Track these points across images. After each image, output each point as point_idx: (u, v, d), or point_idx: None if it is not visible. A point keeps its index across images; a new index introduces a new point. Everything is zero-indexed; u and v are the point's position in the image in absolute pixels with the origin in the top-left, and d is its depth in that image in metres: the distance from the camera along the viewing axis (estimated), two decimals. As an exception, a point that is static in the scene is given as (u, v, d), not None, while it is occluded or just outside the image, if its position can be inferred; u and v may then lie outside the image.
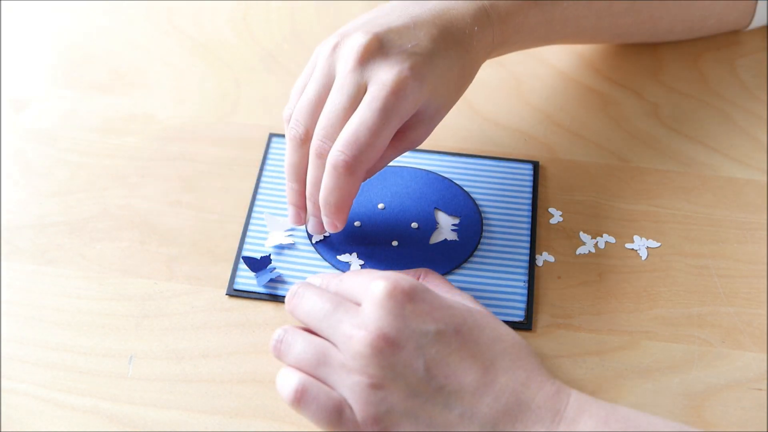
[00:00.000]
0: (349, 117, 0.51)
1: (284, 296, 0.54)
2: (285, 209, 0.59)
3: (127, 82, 0.67)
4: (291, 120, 0.53)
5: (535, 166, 0.61)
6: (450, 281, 0.54)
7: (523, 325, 0.53)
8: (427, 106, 0.53)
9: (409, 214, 0.58)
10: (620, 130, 0.64)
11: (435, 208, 0.59)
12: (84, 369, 0.51)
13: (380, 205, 0.59)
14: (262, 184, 0.60)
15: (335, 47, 0.52)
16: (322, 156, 0.51)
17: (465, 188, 0.60)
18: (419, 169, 0.61)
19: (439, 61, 0.52)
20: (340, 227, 0.53)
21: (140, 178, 0.61)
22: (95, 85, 0.67)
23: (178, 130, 0.64)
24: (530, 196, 0.60)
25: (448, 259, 0.56)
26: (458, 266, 0.56)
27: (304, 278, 0.55)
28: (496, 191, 0.60)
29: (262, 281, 0.55)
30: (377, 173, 0.56)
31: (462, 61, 0.54)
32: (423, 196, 0.59)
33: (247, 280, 0.55)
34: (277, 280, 0.55)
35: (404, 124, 0.53)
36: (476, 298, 0.54)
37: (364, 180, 0.53)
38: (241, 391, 0.51)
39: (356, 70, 0.51)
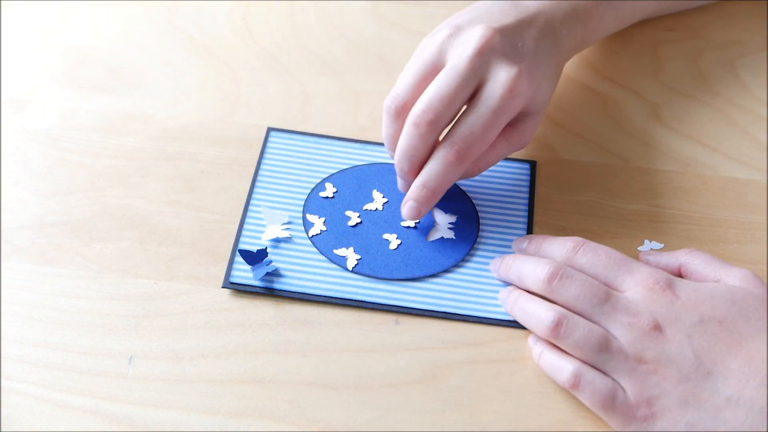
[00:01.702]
0: (458, 99, 0.53)
1: (281, 290, 0.54)
2: (282, 203, 0.59)
3: (127, 82, 0.67)
4: (391, 93, 0.55)
5: (533, 165, 0.61)
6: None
7: (522, 325, 0.53)
8: (532, 103, 0.56)
9: (409, 213, 0.58)
10: (620, 130, 0.64)
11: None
12: (84, 369, 0.51)
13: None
14: (259, 178, 0.60)
15: (449, 36, 0.54)
16: (419, 126, 0.53)
17: (462, 187, 0.60)
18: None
19: (541, 61, 0.55)
20: (423, 212, 0.55)
21: (140, 178, 0.61)
22: (95, 85, 0.67)
23: (178, 130, 0.64)
24: (527, 195, 0.60)
25: (444, 257, 0.56)
26: (455, 265, 0.56)
27: (301, 272, 0.55)
28: (494, 190, 0.60)
29: (258, 275, 0.55)
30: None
31: (557, 61, 0.57)
32: (422, 196, 0.59)
33: (244, 273, 0.55)
34: (274, 274, 0.55)
35: (512, 122, 0.56)
36: (472, 297, 0.54)
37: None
38: (241, 391, 0.51)
39: (476, 58, 0.53)
